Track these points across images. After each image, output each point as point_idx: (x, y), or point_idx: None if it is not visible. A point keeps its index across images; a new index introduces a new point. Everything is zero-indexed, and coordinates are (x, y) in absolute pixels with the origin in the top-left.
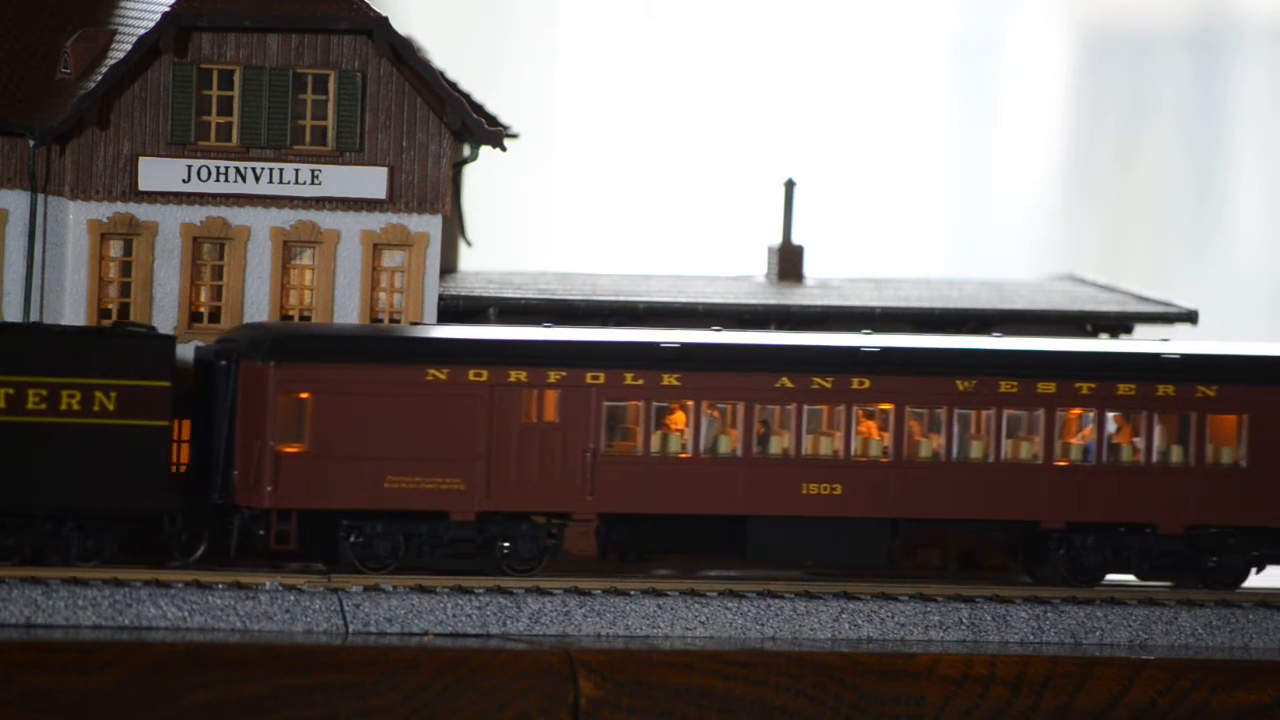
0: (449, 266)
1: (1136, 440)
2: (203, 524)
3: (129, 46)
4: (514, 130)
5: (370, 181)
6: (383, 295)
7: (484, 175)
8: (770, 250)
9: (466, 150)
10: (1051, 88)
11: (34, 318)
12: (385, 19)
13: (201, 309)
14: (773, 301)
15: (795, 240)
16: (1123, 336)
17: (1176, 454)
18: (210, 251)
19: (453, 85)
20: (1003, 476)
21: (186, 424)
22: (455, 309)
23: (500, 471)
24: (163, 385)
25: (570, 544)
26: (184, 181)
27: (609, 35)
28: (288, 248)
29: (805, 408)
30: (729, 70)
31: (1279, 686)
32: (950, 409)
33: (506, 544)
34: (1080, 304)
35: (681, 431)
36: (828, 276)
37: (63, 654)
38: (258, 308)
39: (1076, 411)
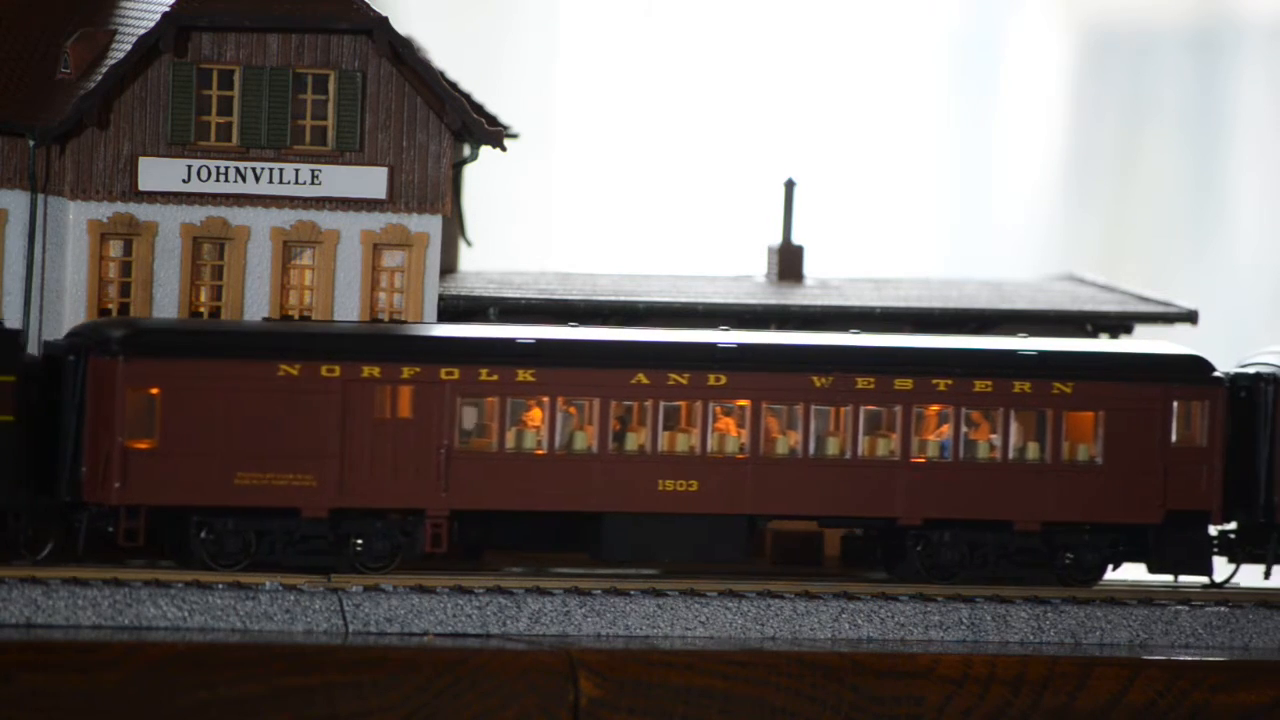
0: (449, 266)
1: (993, 437)
2: (51, 521)
3: (129, 46)
4: (514, 130)
5: (370, 181)
6: (383, 295)
7: (484, 175)
8: (770, 250)
9: (466, 150)
10: (1051, 88)
11: (34, 318)
12: (385, 19)
13: (202, 309)
14: (773, 301)
15: (795, 240)
16: (1122, 337)
17: (1033, 451)
18: (210, 251)
19: (453, 85)
20: (859, 473)
21: (36, 419)
22: (455, 309)
23: (353, 468)
24: (8, 380)
25: (429, 544)
26: (184, 181)
27: (609, 35)
28: (288, 248)
29: (662, 404)
30: (729, 70)
31: (1279, 686)
32: (807, 405)
33: (360, 541)
34: (1080, 304)
35: (537, 428)
36: (828, 276)
37: (63, 654)
38: (258, 307)
39: (934, 408)
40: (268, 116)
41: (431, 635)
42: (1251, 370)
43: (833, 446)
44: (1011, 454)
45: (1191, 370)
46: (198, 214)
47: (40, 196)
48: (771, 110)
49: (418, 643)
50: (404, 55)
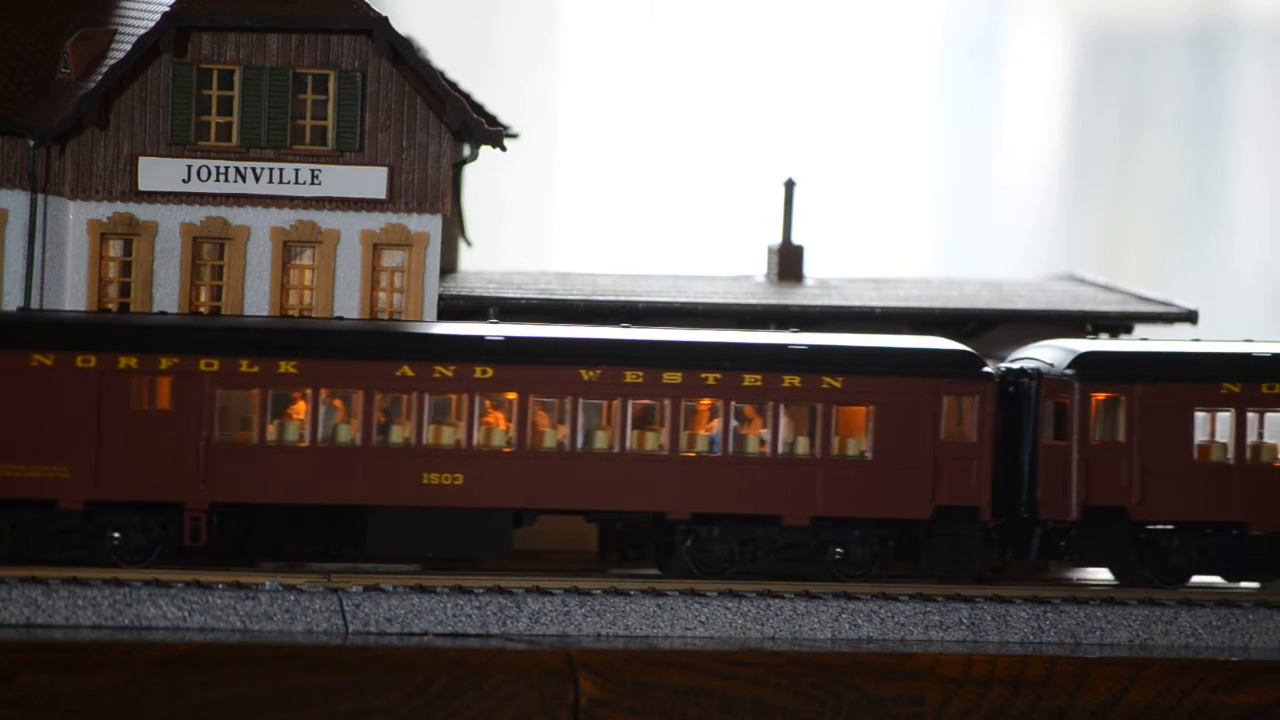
0: (449, 266)
1: (763, 432)
2: None
3: (129, 46)
4: (514, 130)
5: (370, 181)
6: (383, 295)
7: (484, 175)
8: (770, 250)
9: (466, 150)
10: (1051, 88)
11: None
12: (385, 19)
13: (202, 309)
14: (773, 301)
15: (795, 240)
16: (1122, 336)
17: (803, 445)
18: (210, 251)
19: (452, 85)
20: (628, 467)
21: None
22: (455, 309)
23: (110, 460)
24: None
25: (188, 537)
26: (184, 181)
27: (609, 35)
28: (288, 248)
29: (427, 397)
30: (729, 71)
31: (1279, 686)
32: (575, 399)
33: (117, 534)
34: (1080, 304)
35: (300, 420)
36: (828, 276)
37: (63, 654)
38: (258, 308)
39: (703, 402)
40: (268, 116)
41: (431, 635)
42: (1018, 366)
43: (601, 440)
44: (781, 449)
45: (961, 365)
46: (198, 214)
47: (40, 196)
48: (771, 110)
49: (418, 643)
50: (404, 55)
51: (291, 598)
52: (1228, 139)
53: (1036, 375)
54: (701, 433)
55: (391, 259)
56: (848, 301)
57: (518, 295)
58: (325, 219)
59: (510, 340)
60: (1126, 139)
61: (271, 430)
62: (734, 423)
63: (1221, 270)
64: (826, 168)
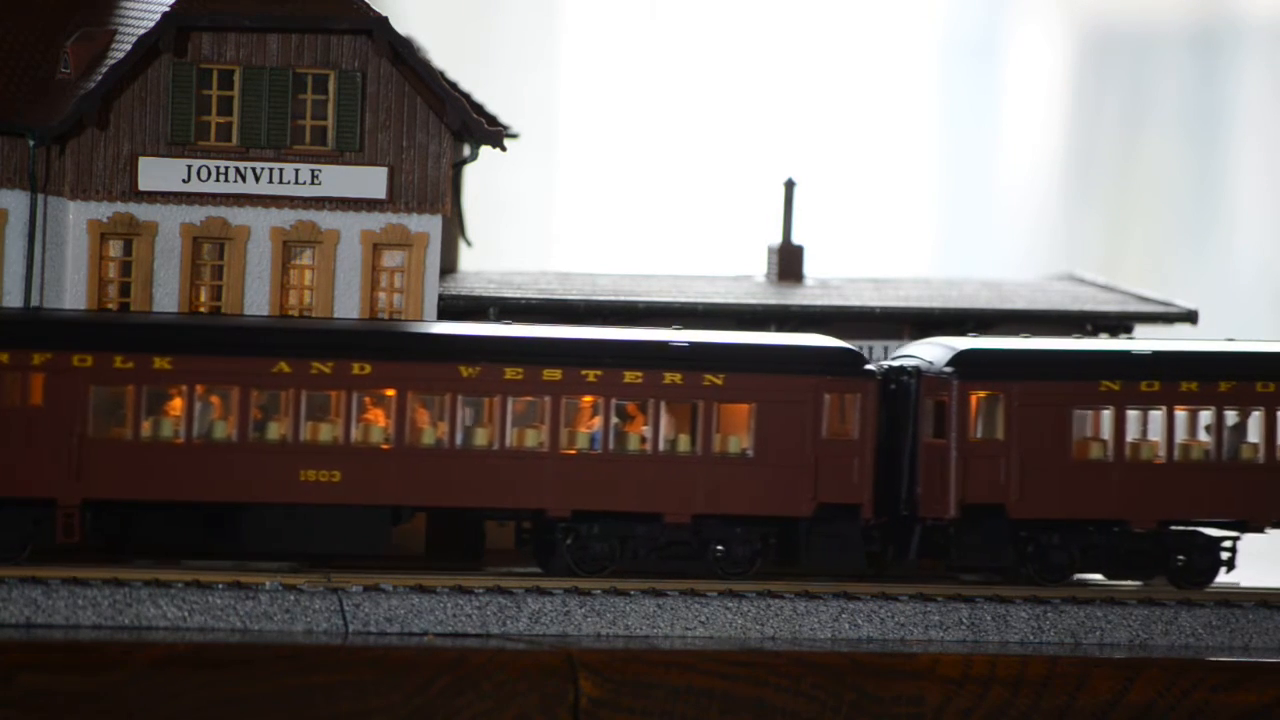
0: (449, 266)
1: (644, 429)
2: None
3: (129, 46)
4: (514, 130)
5: (370, 181)
6: (382, 295)
7: (484, 175)
8: (770, 250)
9: (466, 150)
10: (1051, 88)
11: None
12: (385, 19)
13: (202, 309)
14: (773, 301)
15: (795, 240)
16: (1122, 336)
17: (684, 443)
18: (210, 251)
19: (452, 85)
20: (507, 464)
21: None
22: (455, 309)
23: None
24: None
25: (61, 534)
26: (184, 181)
27: (609, 35)
28: (288, 248)
29: (304, 393)
30: (730, 71)
31: (1279, 686)
32: (454, 395)
33: None
34: (1080, 304)
35: (175, 417)
36: (828, 276)
37: (63, 654)
38: (258, 307)
39: (584, 399)
40: (268, 116)
41: (431, 635)
42: (899, 364)
43: (481, 437)
44: (662, 446)
45: (843, 363)
46: (198, 214)
47: (40, 196)
48: (771, 110)
49: (418, 643)
50: (404, 55)
51: (291, 598)
52: (1228, 139)
53: (917, 373)
54: (582, 430)
55: (391, 259)
56: (848, 301)
57: (518, 295)
58: (325, 219)
59: (389, 336)
60: (1126, 139)
61: (146, 426)
62: (615, 420)
63: (1221, 270)
64: (826, 168)
